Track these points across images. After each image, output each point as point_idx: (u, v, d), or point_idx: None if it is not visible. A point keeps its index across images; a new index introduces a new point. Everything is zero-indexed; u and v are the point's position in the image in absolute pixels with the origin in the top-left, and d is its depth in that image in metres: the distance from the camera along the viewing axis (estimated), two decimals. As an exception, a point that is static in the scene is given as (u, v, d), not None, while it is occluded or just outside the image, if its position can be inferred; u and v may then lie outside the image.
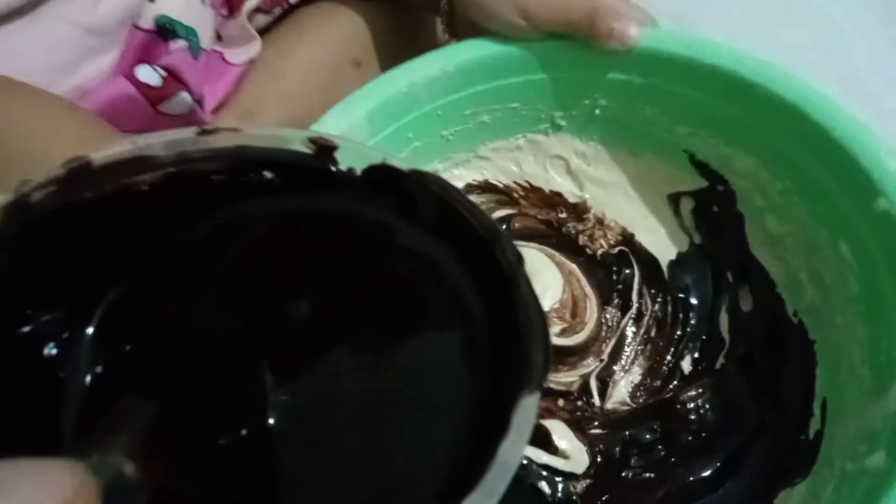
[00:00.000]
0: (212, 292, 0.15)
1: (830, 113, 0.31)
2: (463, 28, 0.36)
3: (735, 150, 0.36)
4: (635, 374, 0.38)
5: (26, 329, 0.13)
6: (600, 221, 0.41)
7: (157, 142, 0.14)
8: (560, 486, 0.35)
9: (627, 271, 0.40)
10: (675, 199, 0.39)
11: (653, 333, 0.39)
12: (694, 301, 0.39)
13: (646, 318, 0.39)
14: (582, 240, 0.41)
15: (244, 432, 0.13)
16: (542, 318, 0.12)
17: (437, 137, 0.37)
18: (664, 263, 0.40)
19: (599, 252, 0.40)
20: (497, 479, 0.11)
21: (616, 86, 0.35)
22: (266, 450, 0.13)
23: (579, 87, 0.36)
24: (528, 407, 0.11)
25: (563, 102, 0.37)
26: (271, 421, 0.13)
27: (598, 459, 0.35)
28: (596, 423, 0.36)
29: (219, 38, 0.41)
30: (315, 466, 0.13)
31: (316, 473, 0.13)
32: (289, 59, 0.42)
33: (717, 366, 0.37)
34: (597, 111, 0.37)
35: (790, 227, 0.35)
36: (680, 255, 0.40)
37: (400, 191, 0.14)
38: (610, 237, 0.40)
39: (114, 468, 0.11)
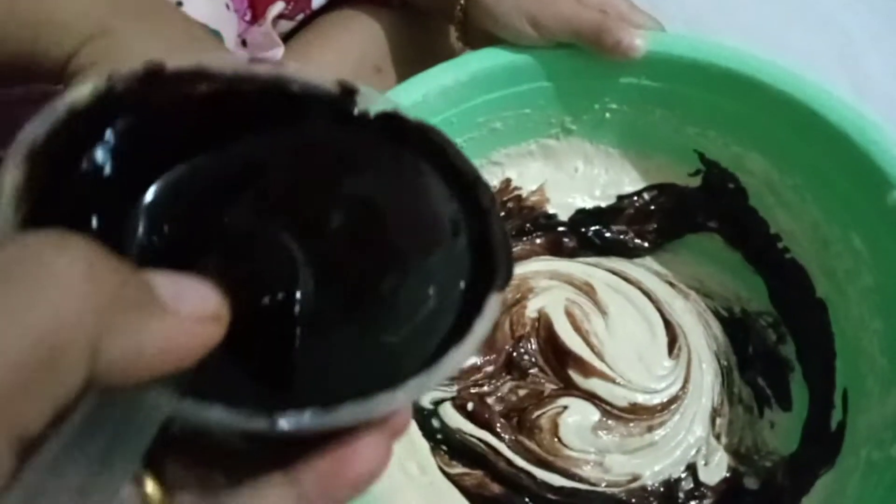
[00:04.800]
0: (250, 192, 0.19)
1: (839, 109, 0.32)
2: (476, 36, 0.37)
3: (745, 149, 0.36)
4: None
5: (103, 191, 0.16)
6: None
7: (216, 63, 0.17)
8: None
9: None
10: (687, 199, 0.40)
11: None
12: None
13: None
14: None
15: (281, 296, 0.17)
16: (506, 240, 0.18)
17: (451, 144, 0.38)
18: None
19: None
20: (470, 343, 0.16)
21: (625, 90, 0.36)
22: (292, 313, 0.17)
23: (589, 92, 0.37)
24: (495, 301, 0.16)
25: (574, 107, 0.38)
26: (298, 295, 0.17)
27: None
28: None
29: (243, 43, 0.43)
30: (331, 330, 0.17)
31: (331, 336, 0.17)
32: (311, 64, 0.43)
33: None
34: (607, 115, 0.38)
35: (801, 223, 0.35)
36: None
37: (404, 136, 0.18)
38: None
39: None
